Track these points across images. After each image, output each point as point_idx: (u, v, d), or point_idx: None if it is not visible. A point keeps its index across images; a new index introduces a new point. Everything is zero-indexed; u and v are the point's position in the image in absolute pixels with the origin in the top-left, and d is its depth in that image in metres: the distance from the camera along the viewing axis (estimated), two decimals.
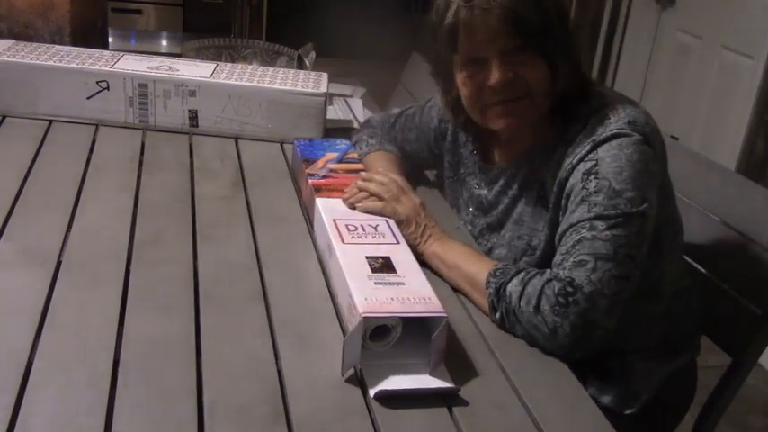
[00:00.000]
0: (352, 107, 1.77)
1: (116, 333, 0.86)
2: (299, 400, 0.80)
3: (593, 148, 1.00)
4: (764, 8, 2.37)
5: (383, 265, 0.95)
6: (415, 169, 1.37)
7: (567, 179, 1.03)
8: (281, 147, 1.49)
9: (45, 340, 0.84)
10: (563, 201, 1.03)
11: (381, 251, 0.99)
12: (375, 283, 0.91)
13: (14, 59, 1.43)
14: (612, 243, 0.94)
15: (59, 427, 0.72)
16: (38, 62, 1.44)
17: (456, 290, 1.05)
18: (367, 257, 0.96)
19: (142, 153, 1.38)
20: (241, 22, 4.17)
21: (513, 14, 0.99)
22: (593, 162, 0.99)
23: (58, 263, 0.99)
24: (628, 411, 1.13)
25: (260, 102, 1.48)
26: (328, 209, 1.10)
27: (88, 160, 1.32)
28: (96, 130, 1.45)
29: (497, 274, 0.99)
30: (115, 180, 1.25)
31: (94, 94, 1.45)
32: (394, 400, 0.81)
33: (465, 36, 1.02)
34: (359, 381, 0.84)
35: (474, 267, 1.03)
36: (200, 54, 1.76)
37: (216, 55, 1.78)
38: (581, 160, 1.01)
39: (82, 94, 1.45)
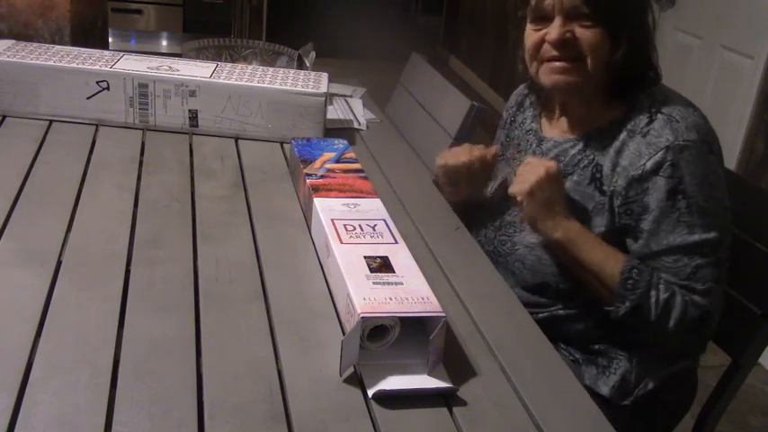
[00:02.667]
0: (353, 107, 1.77)
1: (116, 333, 0.86)
2: (299, 400, 0.80)
3: (672, 162, 1.05)
4: (764, 8, 2.37)
5: (381, 265, 0.95)
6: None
7: (639, 180, 1.07)
8: (281, 147, 1.49)
9: (45, 340, 0.84)
10: (630, 193, 1.08)
11: (380, 251, 0.99)
12: (373, 283, 0.91)
13: (14, 59, 1.43)
14: (721, 266, 1.08)
15: (59, 427, 0.72)
16: (38, 62, 1.44)
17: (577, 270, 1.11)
18: (365, 257, 0.96)
19: (142, 153, 1.38)
20: (241, 22, 4.17)
21: None
22: (677, 179, 1.05)
23: (58, 263, 0.99)
24: (624, 402, 1.14)
25: (260, 102, 1.48)
26: (326, 208, 1.10)
27: (88, 160, 1.32)
28: (96, 130, 1.45)
29: (635, 274, 1.06)
30: (115, 180, 1.25)
31: (94, 94, 1.45)
32: (393, 400, 0.82)
33: None
34: (359, 381, 0.84)
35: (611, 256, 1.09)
36: (201, 54, 1.76)
37: (216, 55, 1.78)
38: (658, 168, 1.05)
39: (82, 94, 1.45)
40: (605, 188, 1.11)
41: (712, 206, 1.06)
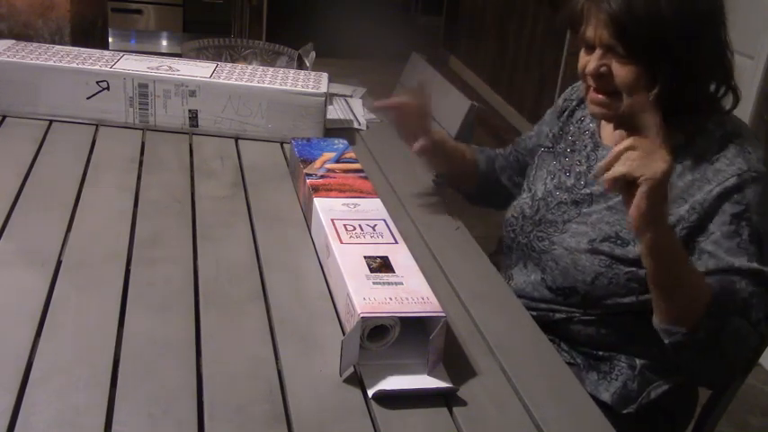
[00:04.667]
0: (353, 107, 1.77)
1: (116, 333, 0.86)
2: (299, 400, 0.80)
3: (741, 187, 1.03)
4: (764, 8, 2.37)
5: (381, 265, 0.95)
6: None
7: (702, 204, 1.04)
8: (281, 147, 1.49)
9: (45, 340, 0.84)
10: (692, 217, 1.05)
11: (380, 251, 0.99)
12: (373, 283, 0.91)
13: (14, 59, 1.43)
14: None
15: (59, 427, 0.72)
16: (38, 62, 1.44)
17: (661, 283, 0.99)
18: (365, 257, 0.96)
19: (142, 153, 1.38)
20: (241, 22, 4.17)
21: (618, 20, 1.01)
22: (743, 207, 1.03)
23: (58, 263, 0.99)
24: (626, 411, 1.13)
25: (260, 102, 1.48)
26: (326, 208, 1.10)
27: (88, 160, 1.32)
28: (96, 130, 1.45)
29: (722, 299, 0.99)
30: (115, 180, 1.25)
31: (94, 94, 1.45)
32: (393, 400, 0.82)
33: (585, 20, 1.07)
34: (359, 381, 0.84)
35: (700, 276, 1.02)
36: (201, 54, 1.76)
37: (216, 55, 1.78)
38: (727, 194, 1.03)
39: (82, 94, 1.45)
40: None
41: None
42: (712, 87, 1.09)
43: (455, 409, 0.82)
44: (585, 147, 1.23)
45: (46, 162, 1.29)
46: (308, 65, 1.77)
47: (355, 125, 1.66)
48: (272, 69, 1.58)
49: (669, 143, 0.99)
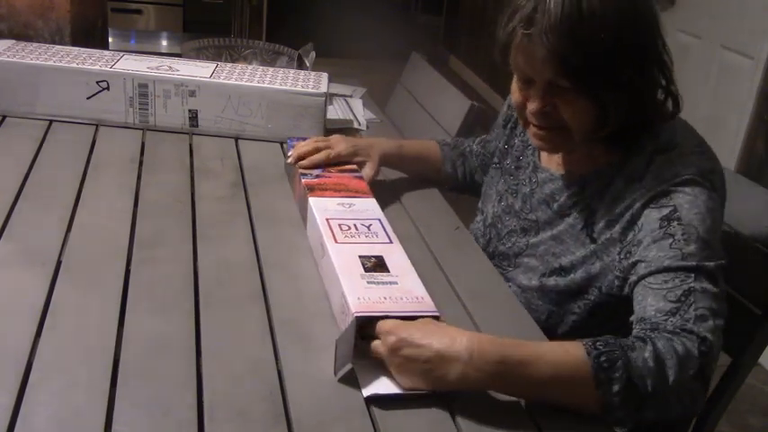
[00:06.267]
0: (353, 107, 1.77)
1: (116, 333, 0.86)
2: (299, 400, 0.80)
3: (666, 193, 0.96)
4: (764, 8, 2.37)
5: (376, 265, 0.95)
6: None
7: (630, 221, 0.99)
8: (281, 147, 1.49)
9: (45, 340, 0.84)
10: (628, 237, 0.99)
11: (374, 250, 0.99)
12: (368, 283, 0.91)
13: (14, 59, 1.43)
14: (719, 299, 0.90)
15: (59, 427, 0.72)
16: (38, 62, 1.44)
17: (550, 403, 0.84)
18: (360, 257, 0.96)
19: (142, 153, 1.38)
20: (241, 22, 4.17)
21: (560, 55, 0.93)
22: (671, 208, 0.95)
23: (58, 263, 0.99)
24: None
25: (260, 102, 1.48)
26: (321, 208, 1.10)
27: (88, 160, 1.32)
28: (96, 130, 1.45)
29: (600, 346, 0.81)
30: (115, 180, 1.25)
31: (94, 94, 1.45)
32: (392, 400, 0.81)
33: (518, 54, 0.99)
34: (358, 380, 0.84)
35: (555, 350, 0.83)
36: (201, 54, 1.76)
37: (216, 55, 1.78)
38: (649, 203, 0.97)
39: (82, 94, 1.45)
40: (596, 236, 1.04)
41: (714, 241, 0.94)
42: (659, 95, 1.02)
43: (455, 410, 0.82)
44: (528, 165, 1.18)
45: (46, 162, 1.29)
46: (308, 65, 1.77)
47: (355, 125, 1.66)
48: (272, 69, 1.58)
49: (611, 165, 0.98)
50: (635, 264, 0.96)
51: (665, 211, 0.95)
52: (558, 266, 1.10)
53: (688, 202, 0.95)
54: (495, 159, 1.27)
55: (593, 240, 1.05)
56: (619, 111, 0.98)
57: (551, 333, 1.03)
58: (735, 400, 1.21)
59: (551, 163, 1.15)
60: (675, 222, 0.94)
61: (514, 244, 1.17)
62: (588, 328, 1.04)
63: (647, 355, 0.82)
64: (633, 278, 0.95)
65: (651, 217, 0.96)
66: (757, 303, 1.16)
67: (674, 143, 1.01)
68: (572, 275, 1.08)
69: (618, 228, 1.01)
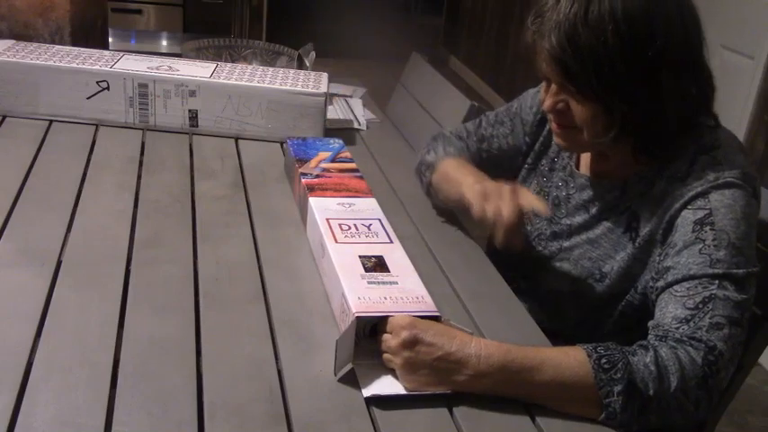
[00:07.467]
0: (353, 107, 1.77)
1: (116, 333, 0.86)
2: (299, 400, 0.80)
3: (704, 194, 0.95)
4: (764, 8, 2.37)
5: (376, 265, 0.95)
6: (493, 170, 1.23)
7: (670, 222, 0.98)
8: (281, 147, 1.49)
9: (45, 340, 0.84)
10: (663, 243, 0.98)
11: (375, 250, 0.99)
12: (368, 283, 0.91)
13: (14, 59, 1.43)
14: (742, 307, 0.90)
15: (59, 427, 0.72)
16: (38, 62, 1.44)
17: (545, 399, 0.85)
18: (360, 257, 0.96)
19: (142, 153, 1.38)
20: (241, 22, 4.17)
21: (559, 58, 0.95)
22: (707, 211, 0.94)
23: (58, 263, 0.99)
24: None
25: (260, 102, 1.48)
26: (321, 208, 1.10)
27: (88, 160, 1.32)
28: (96, 130, 1.45)
29: (602, 351, 0.84)
30: (115, 180, 1.25)
31: (94, 94, 1.45)
32: (391, 400, 0.81)
33: (535, 53, 1.00)
34: (358, 381, 0.84)
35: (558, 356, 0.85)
36: (200, 54, 1.76)
37: (216, 55, 1.78)
38: (688, 203, 0.96)
39: (82, 94, 1.45)
40: (638, 239, 1.03)
41: (746, 248, 0.92)
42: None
43: (455, 410, 0.82)
44: (564, 168, 1.17)
45: (46, 162, 1.29)
46: (308, 65, 1.77)
47: (355, 125, 1.66)
48: (272, 69, 1.58)
49: (652, 168, 0.97)
50: (667, 269, 0.95)
51: (700, 214, 0.94)
52: (597, 271, 1.08)
53: (725, 206, 0.94)
54: (530, 160, 1.24)
55: (635, 243, 1.04)
56: (629, 117, 0.97)
57: (578, 340, 0.92)
58: (735, 400, 1.21)
59: (589, 166, 1.13)
60: (708, 227, 0.93)
61: (546, 248, 1.16)
62: (616, 337, 0.97)
63: (648, 360, 0.84)
64: (661, 284, 0.95)
65: (687, 219, 0.95)
66: (757, 303, 1.16)
67: (719, 142, 1.00)
68: (611, 281, 1.06)
69: (660, 229, 1.00)
